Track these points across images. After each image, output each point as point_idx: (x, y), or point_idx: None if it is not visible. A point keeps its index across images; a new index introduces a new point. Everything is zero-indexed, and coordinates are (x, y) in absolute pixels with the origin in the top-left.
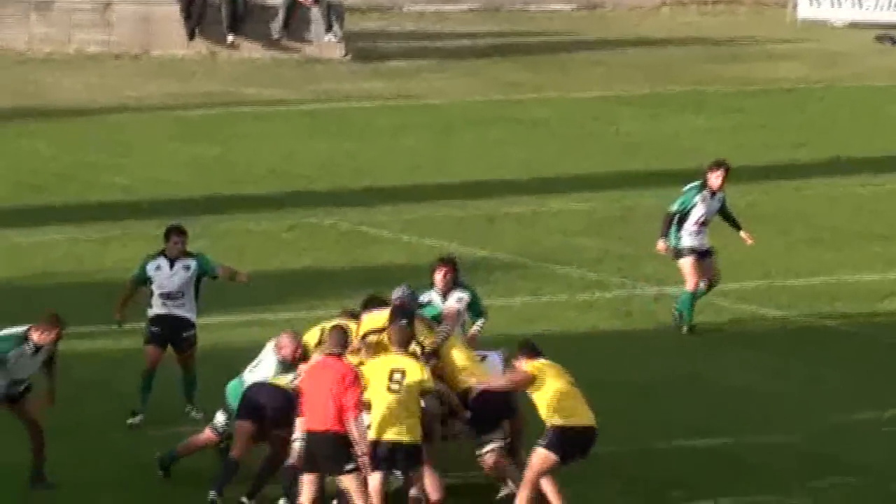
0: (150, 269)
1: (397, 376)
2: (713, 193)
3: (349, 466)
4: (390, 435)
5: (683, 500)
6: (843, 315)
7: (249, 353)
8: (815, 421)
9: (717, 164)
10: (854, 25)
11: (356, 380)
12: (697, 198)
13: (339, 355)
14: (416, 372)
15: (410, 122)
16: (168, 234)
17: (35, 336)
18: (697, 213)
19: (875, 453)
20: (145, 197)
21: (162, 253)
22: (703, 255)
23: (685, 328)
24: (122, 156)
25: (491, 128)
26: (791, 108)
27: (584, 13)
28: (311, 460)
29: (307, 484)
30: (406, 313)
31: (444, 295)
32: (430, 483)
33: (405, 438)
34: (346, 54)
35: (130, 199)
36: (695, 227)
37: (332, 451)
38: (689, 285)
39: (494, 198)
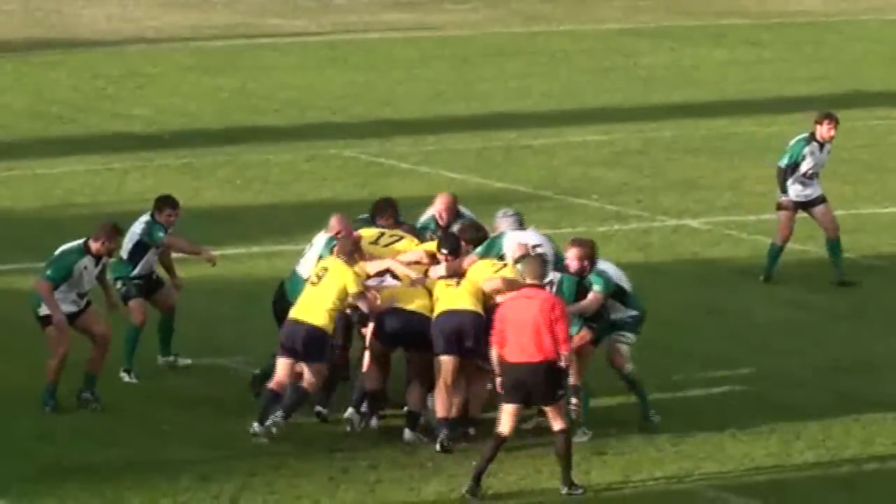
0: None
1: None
2: (822, 145)
3: (560, 393)
4: None
5: (702, 429)
6: (862, 247)
7: (271, 284)
8: (833, 354)
9: (826, 116)
10: None
11: (563, 310)
12: (806, 150)
13: (541, 286)
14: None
15: (430, 54)
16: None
17: (94, 246)
18: (806, 165)
19: (894, 387)
20: (165, 128)
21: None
22: (810, 205)
23: (762, 277)
24: (143, 87)
25: (510, 60)
26: (810, 41)
27: None
28: (519, 391)
29: (511, 415)
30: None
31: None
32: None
33: None
34: None
35: (151, 131)
36: (803, 180)
37: (544, 382)
38: (779, 238)
39: (514, 130)
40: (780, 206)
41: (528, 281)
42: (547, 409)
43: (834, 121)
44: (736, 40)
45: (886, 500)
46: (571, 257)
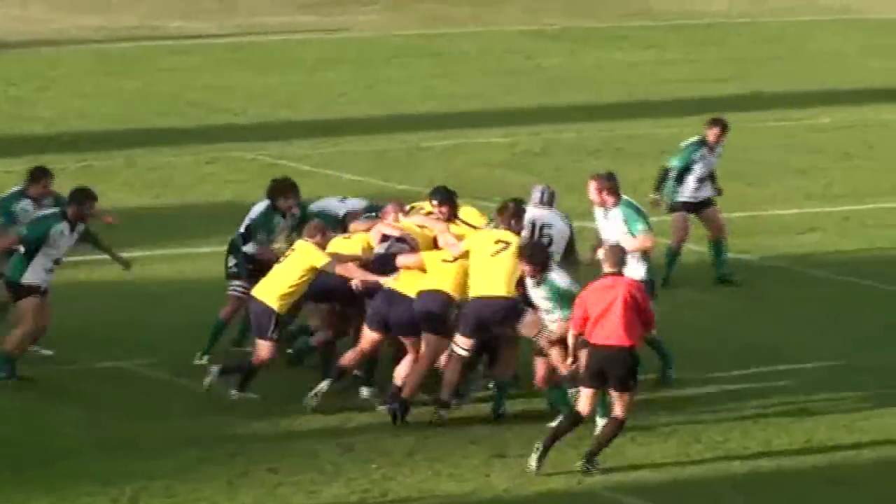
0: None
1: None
2: (712, 149)
3: (632, 383)
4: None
5: None
6: (762, 249)
7: (174, 287)
8: (734, 355)
9: (715, 122)
10: None
11: (645, 294)
12: (696, 155)
13: (620, 273)
14: None
15: (333, 56)
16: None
17: (70, 211)
18: (698, 170)
19: (805, 386)
20: (68, 130)
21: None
22: (700, 207)
23: (661, 280)
24: (45, 89)
25: (412, 62)
26: (713, 42)
27: None
28: (599, 375)
29: (589, 399)
30: None
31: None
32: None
33: None
34: None
35: (52, 133)
36: (695, 184)
37: (623, 367)
38: (674, 241)
39: (415, 132)
40: (672, 209)
41: (607, 270)
42: (616, 394)
43: (721, 126)
44: (638, 42)
45: (783, 501)
46: (592, 190)
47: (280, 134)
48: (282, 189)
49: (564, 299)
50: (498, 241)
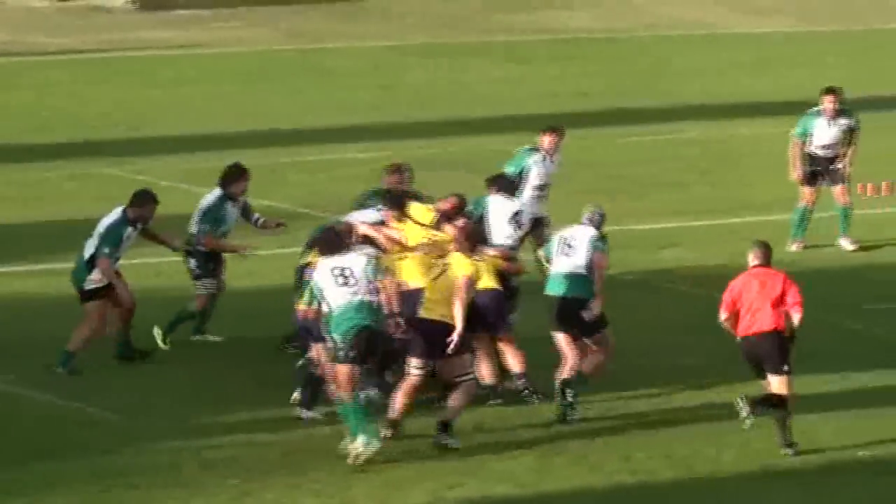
0: None
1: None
2: (545, 156)
3: (785, 368)
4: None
5: (465, 445)
6: (626, 264)
7: (40, 301)
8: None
9: (549, 129)
10: None
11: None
12: (530, 160)
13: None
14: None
15: (196, 72)
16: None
17: (132, 214)
18: (534, 177)
19: (666, 400)
20: None
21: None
22: (534, 224)
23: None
24: None
25: (277, 78)
26: (578, 57)
27: None
28: (755, 361)
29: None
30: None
31: None
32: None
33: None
34: (131, 2)
35: None
36: (533, 193)
37: (776, 350)
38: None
39: (279, 147)
40: None
41: (755, 262)
42: (775, 378)
43: (556, 133)
44: (501, 57)
45: None
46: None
47: (143, 149)
48: (233, 175)
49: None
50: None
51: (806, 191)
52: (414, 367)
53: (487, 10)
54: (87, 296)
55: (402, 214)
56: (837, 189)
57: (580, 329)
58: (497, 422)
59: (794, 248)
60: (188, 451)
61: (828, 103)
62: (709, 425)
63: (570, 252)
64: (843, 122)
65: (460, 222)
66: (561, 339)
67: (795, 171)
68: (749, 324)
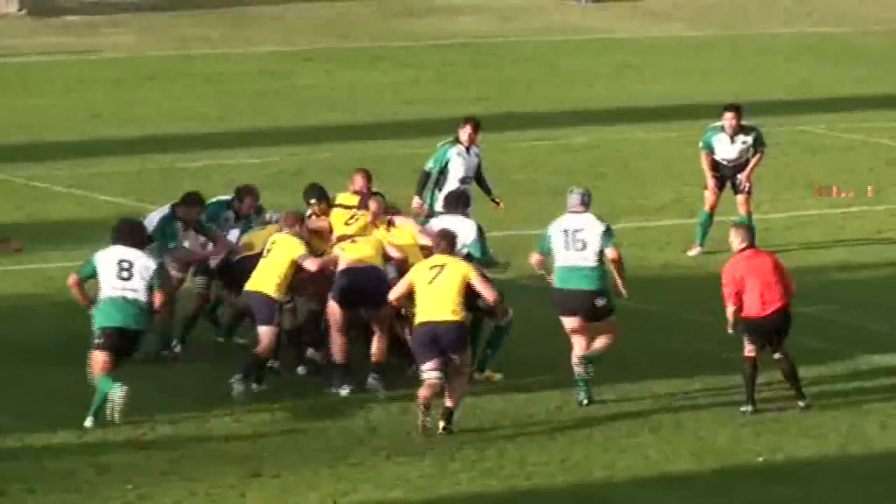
0: None
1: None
2: (467, 148)
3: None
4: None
5: (360, 451)
6: (515, 269)
7: None
8: (490, 373)
9: (466, 120)
10: None
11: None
12: (451, 152)
13: (754, 246)
14: None
15: (87, 77)
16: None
17: (180, 213)
18: (456, 170)
19: (565, 405)
20: None
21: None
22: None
23: None
24: None
25: (166, 83)
26: (468, 63)
27: None
28: (762, 337)
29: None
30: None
31: None
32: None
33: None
34: (20, 9)
35: None
36: (458, 186)
37: (785, 326)
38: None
39: (170, 152)
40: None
41: (743, 245)
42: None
43: (473, 125)
44: (393, 62)
45: None
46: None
47: (34, 155)
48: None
49: None
50: (433, 267)
51: (710, 196)
52: (429, 371)
53: (376, 16)
54: None
55: (327, 205)
56: (740, 198)
57: (591, 317)
58: (392, 426)
59: (692, 252)
60: (83, 454)
61: (728, 120)
62: (604, 430)
63: (579, 246)
64: (744, 138)
65: (376, 200)
66: (574, 322)
67: (707, 181)
68: (760, 304)
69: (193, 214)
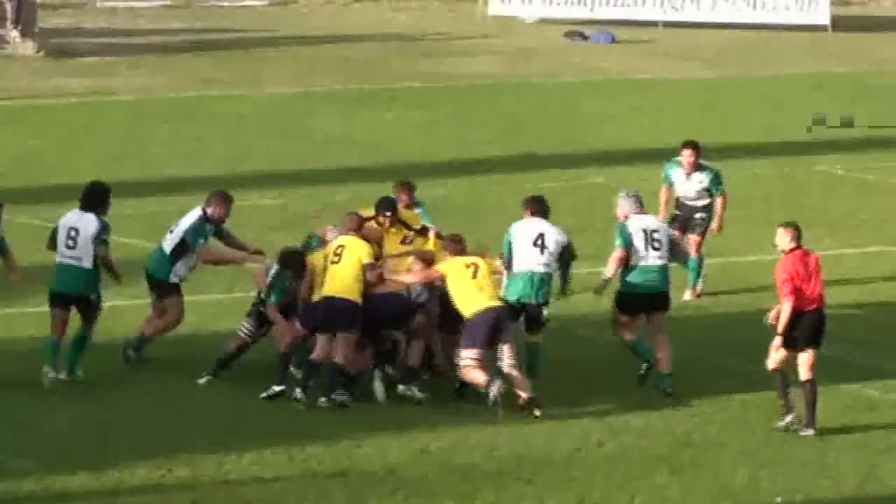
0: None
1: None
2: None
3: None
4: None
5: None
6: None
7: None
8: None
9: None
10: (543, 21)
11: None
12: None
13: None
14: None
15: (105, 119)
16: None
17: (209, 211)
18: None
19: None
20: None
21: None
22: None
23: None
24: None
25: (184, 124)
26: (483, 103)
27: (277, 8)
28: (807, 333)
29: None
30: None
31: None
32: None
33: None
34: (38, 51)
35: None
36: None
37: (823, 326)
38: None
39: (187, 194)
40: None
41: (793, 245)
42: (809, 352)
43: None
44: (409, 103)
45: None
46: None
47: (51, 196)
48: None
49: None
50: (469, 266)
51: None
52: (467, 359)
53: (391, 57)
54: (170, 289)
55: (393, 218)
56: (690, 238)
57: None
58: (411, 468)
59: (686, 296)
60: (102, 498)
61: (686, 157)
62: (624, 470)
63: (658, 246)
64: (699, 177)
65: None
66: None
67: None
68: (808, 299)
69: (223, 211)
